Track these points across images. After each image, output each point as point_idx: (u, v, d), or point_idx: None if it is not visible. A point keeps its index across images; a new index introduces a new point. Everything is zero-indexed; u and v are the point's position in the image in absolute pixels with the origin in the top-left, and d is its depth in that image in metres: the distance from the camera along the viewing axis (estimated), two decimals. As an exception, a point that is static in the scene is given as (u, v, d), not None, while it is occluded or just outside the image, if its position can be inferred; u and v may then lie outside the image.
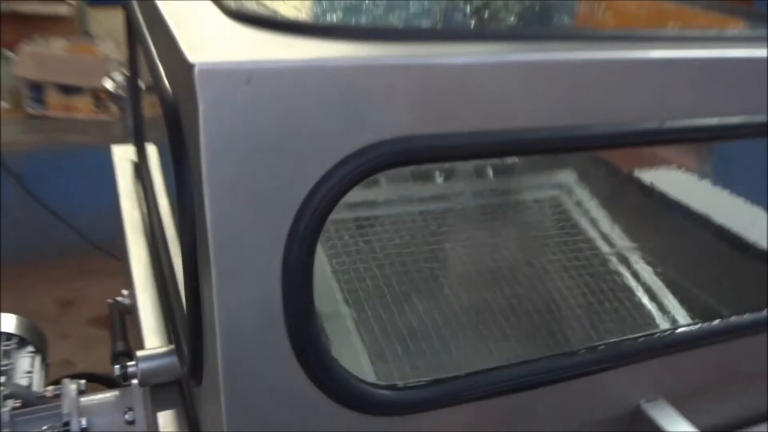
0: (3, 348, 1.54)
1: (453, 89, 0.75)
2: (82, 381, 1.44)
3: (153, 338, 1.23)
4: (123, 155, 1.96)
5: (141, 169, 1.70)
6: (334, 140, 0.74)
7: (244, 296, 0.76)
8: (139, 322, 1.28)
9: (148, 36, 1.02)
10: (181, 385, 1.16)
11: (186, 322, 0.87)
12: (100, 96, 4.16)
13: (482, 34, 0.85)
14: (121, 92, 2.74)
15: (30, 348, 1.62)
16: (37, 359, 1.60)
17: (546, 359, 0.93)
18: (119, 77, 2.72)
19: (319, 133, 0.74)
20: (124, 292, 1.62)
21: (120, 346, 1.25)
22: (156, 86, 0.88)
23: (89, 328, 3.95)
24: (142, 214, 1.64)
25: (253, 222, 0.74)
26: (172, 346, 1.13)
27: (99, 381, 1.81)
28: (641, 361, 1.00)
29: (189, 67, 0.70)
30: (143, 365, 1.10)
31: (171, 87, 0.84)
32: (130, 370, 1.10)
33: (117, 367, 1.11)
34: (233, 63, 0.71)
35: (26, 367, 1.56)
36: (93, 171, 4.20)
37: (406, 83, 0.74)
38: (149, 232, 1.53)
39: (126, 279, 1.64)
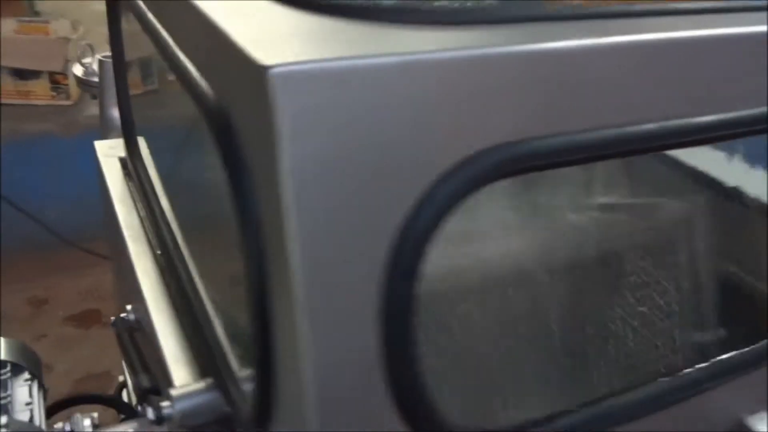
0: (-2, 379, 1.38)
1: (580, 79, 0.62)
2: (95, 414, 1.29)
3: (180, 370, 1.09)
4: (108, 150, 1.77)
5: (134, 167, 1.53)
6: (440, 148, 0.61)
7: (338, 342, 0.63)
8: (160, 350, 1.13)
9: (162, 28, 0.86)
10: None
11: (253, 363, 0.73)
12: (58, 80, 3.89)
13: (592, 12, 0.71)
14: (94, 78, 2.54)
15: (26, 375, 1.46)
16: (35, 387, 1.45)
17: (653, 385, 0.82)
18: (90, 61, 2.51)
19: (424, 141, 0.60)
20: (128, 307, 1.46)
21: (145, 381, 1.10)
22: (192, 93, 0.73)
23: (66, 327, 3.75)
24: (141, 218, 1.47)
25: (348, 254, 0.61)
26: (208, 381, 0.99)
27: (104, 403, 1.66)
28: (746, 375, 0.90)
29: (258, 70, 0.56)
30: (181, 405, 0.96)
31: (213, 92, 0.69)
32: (166, 412, 0.96)
33: (150, 410, 0.97)
34: (318, 63, 0.56)
35: (25, 398, 1.40)
36: (56, 161, 3.97)
37: (530, 75, 0.60)
38: (154, 241, 1.37)
39: (126, 292, 1.49)
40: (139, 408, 1.18)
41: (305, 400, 0.63)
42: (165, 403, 0.97)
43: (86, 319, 3.81)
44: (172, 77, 1.61)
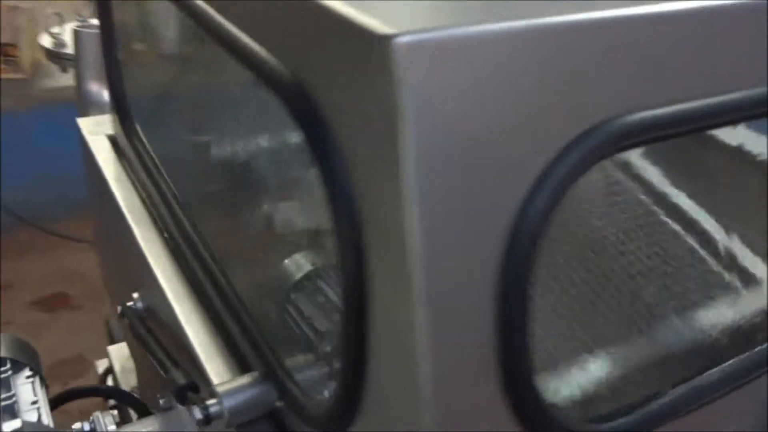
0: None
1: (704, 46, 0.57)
2: (115, 411, 1.22)
3: (215, 363, 1.02)
4: (93, 128, 1.66)
5: (132, 145, 1.43)
6: (564, 119, 0.56)
7: (454, 333, 0.58)
8: (189, 343, 1.06)
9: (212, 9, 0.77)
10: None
11: (341, 358, 0.67)
12: (8, 52, 3.67)
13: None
14: (65, 50, 2.37)
15: (26, 372, 1.36)
16: (38, 384, 1.36)
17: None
18: (59, 31, 2.35)
19: (547, 112, 0.55)
20: (135, 295, 1.38)
21: (179, 377, 1.02)
22: (260, 71, 0.66)
23: (32, 312, 3.60)
24: (144, 200, 1.38)
25: (467, 239, 0.55)
26: (255, 374, 0.93)
27: (109, 397, 1.57)
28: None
29: (373, 41, 0.49)
30: (230, 402, 0.89)
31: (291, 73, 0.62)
32: (214, 410, 0.90)
33: (196, 409, 0.90)
34: (443, 31, 0.50)
35: (30, 397, 1.31)
36: (12, 138, 3.77)
37: (655, 41, 0.55)
38: (164, 224, 1.29)
39: (129, 279, 1.40)
40: (179, 405, 1.11)
41: (418, 396, 0.58)
42: (211, 401, 0.90)
43: (53, 303, 3.66)
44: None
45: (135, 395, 1.46)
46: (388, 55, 0.49)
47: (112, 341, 2.33)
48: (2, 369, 1.32)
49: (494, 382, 0.61)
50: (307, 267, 0.92)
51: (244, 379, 0.93)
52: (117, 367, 2.19)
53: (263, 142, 1.10)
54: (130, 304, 1.37)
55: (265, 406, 0.92)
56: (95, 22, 2.46)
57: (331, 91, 0.58)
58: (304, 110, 0.60)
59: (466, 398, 0.60)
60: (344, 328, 0.64)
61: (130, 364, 2.24)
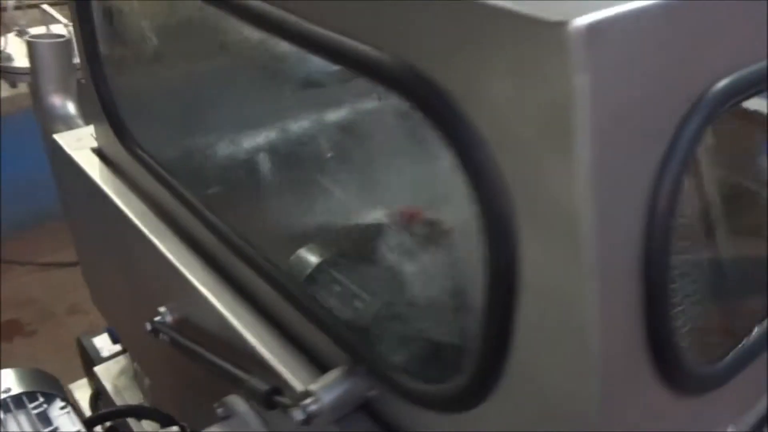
0: (36, 412, 1.22)
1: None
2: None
3: (290, 366, 1.02)
4: (76, 143, 1.58)
5: (134, 155, 1.37)
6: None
7: (613, 306, 0.61)
8: (256, 352, 1.05)
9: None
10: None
11: (484, 334, 0.69)
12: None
13: None
14: (12, 63, 2.22)
15: (59, 402, 1.31)
16: (72, 413, 1.30)
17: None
18: (2, 44, 2.19)
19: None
20: (161, 309, 1.34)
21: (259, 384, 1.01)
22: (380, 73, 0.66)
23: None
24: (159, 211, 1.35)
25: (625, 211, 0.59)
26: (344, 368, 0.93)
27: (142, 417, 1.52)
28: None
29: (545, 29, 0.51)
30: (329, 398, 0.90)
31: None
32: (312, 408, 0.90)
33: (296, 411, 0.89)
34: (604, 12, 0.52)
35: (70, 427, 1.26)
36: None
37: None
38: (192, 232, 1.26)
39: (160, 293, 1.36)
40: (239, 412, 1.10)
41: (584, 366, 0.61)
42: (308, 400, 0.90)
43: (7, 331, 3.48)
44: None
45: (170, 415, 1.43)
46: (564, 40, 0.51)
47: (89, 362, 2.25)
48: (37, 403, 1.26)
49: (642, 348, 0.65)
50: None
51: (336, 374, 0.93)
52: (109, 388, 2.13)
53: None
54: (157, 318, 1.34)
55: (358, 398, 0.93)
56: (39, 30, 2.33)
57: (475, 83, 0.60)
58: (441, 108, 0.62)
59: (621, 364, 0.64)
60: (491, 306, 0.66)
61: (122, 382, 2.18)
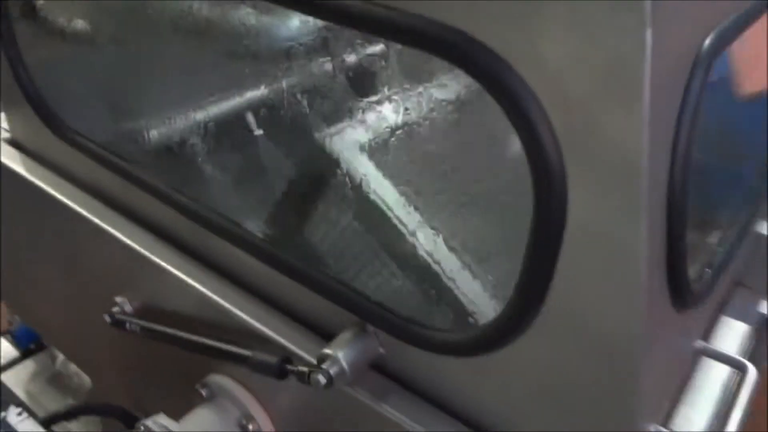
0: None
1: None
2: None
3: (291, 335, 1.03)
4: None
5: (65, 139, 1.29)
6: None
7: (654, 238, 0.70)
8: (249, 326, 1.05)
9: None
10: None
11: (525, 273, 0.75)
12: None
13: None
14: None
15: (15, 409, 1.21)
16: (31, 419, 1.21)
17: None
18: None
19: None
20: (118, 299, 1.27)
21: (264, 357, 1.00)
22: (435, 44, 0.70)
23: None
24: (97, 195, 1.28)
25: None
26: (354, 328, 0.97)
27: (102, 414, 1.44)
28: None
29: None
30: (348, 357, 0.93)
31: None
32: (334, 370, 0.92)
33: (318, 376, 0.91)
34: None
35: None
36: None
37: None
38: (146, 211, 1.22)
39: (116, 283, 1.30)
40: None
41: (632, 298, 0.70)
42: (326, 364, 0.93)
43: None
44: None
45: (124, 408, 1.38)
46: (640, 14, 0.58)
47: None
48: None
49: (664, 276, 0.75)
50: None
51: (348, 335, 0.96)
52: (21, 394, 2.01)
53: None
54: (116, 309, 1.29)
55: (371, 357, 0.97)
56: None
57: (529, 46, 0.65)
58: (495, 70, 0.67)
59: (656, 293, 0.73)
60: (536, 244, 0.72)
61: (36, 386, 2.05)
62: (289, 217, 1.20)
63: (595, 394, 0.79)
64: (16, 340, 2.06)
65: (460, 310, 0.96)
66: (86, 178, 1.32)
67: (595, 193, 0.67)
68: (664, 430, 0.89)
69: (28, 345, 2.04)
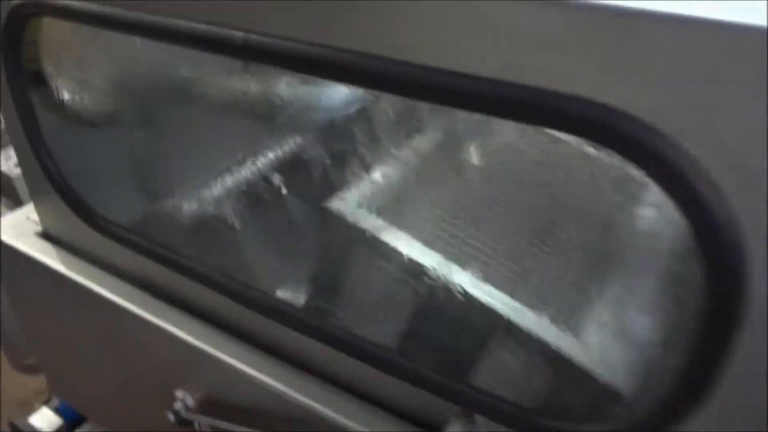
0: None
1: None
2: None
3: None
4: (16, 232, 1.36)
5: (101, 230, 1.20)
6: None
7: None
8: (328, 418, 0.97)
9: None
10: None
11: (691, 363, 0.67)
12: None
13: None
14: None
15: None
16: None
17: None
18: None
19: None
20: (179, 393, 1.18)
21: None
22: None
23: None
24: (141, 285, 1.20)
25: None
26: (460, 421, 0.88)
27: None
28: None
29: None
30: None
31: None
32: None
33: None
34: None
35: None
36: None
37: None
38: (201, 302, 1.13)
39: (172, 377, 1.21)
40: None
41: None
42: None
43: None
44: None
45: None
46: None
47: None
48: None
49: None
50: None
51: (457, 427, 0.88)
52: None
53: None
54: (178, 406, 1.19)
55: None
56: None
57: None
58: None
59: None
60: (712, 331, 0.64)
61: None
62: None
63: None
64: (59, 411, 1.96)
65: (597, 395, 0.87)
66: (127, 267, 1.23)
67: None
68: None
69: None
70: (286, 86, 1.10)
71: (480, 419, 0.88)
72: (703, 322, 0.64)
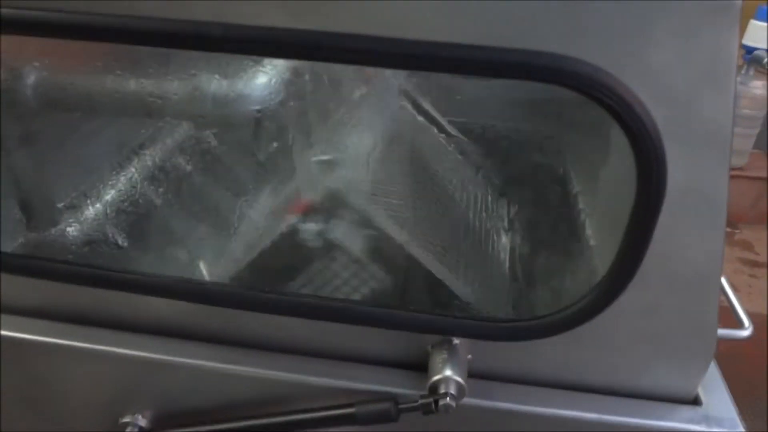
0: None
1: None
2: None
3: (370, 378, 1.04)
4: None
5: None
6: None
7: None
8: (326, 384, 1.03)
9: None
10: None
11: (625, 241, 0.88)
12: None
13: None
14: None
15: None
16: None
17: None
18: None
19: None
20: (125, 420, 1.12)
21: (374, 406, 0.98)
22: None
23: None
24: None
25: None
26: (439, 348, 1.02)
27: None
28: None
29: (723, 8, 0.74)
30: (456, 376, 0.98)
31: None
32: (454, 392, 0.97)
33: (446, 402, 0.94)
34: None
35: None
36: None
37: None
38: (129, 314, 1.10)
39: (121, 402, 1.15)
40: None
41: (717, 232, 0.87)
42: (443, 387, 0.97)
43: None
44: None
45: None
46: (736, 13, 0.73)
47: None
48: None
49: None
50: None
51: (443, 355, 1.00)
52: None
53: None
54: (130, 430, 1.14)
55: (467, 366, 1.03)
56: None
57: (638, 60, 0.77)
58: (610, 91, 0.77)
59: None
60: (640, 211, 0.85)
61: None
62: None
63: (685, 318, 0.95)
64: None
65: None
66: (25, 299, 1.14)
67: (692, 160, 0.82)
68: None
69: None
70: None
71: (455, 340, 1.03)
72: (637, 206, 0.87)
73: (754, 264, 3.74)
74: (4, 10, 0.84)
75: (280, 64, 1.19)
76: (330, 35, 0.80)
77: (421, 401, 0.98)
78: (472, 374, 1.04)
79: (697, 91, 0.78)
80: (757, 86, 3.65)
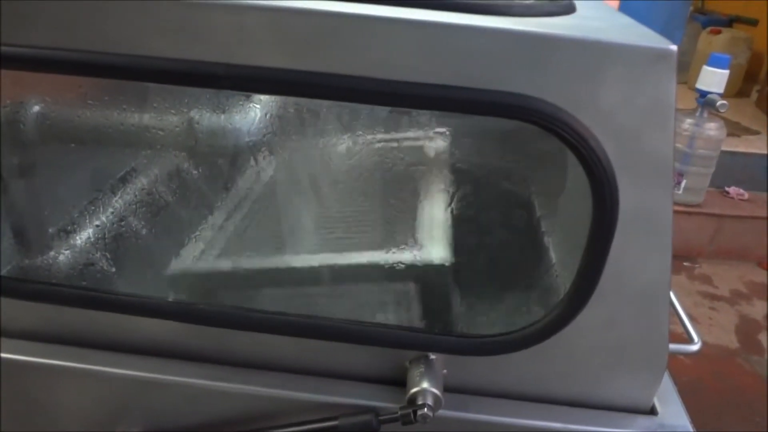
0: None
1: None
2: None
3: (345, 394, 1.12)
4: None
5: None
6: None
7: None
8: (308, 399, 1.10)
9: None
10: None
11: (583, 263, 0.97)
12: None
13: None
14: None
15: None
16: None
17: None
18: None
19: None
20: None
21: (355, 418, 1.05)
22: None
23: None
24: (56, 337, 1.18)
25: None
26: (416, 362, 1.10)
27: None
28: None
29: (659, 53, 0.85)
30: (433, 389, 1.06)
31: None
32: (431, 403, 1.04)
33: (423, 412, 1.02)
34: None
35: None
36: None
37: None
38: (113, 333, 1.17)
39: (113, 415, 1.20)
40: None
41: (665, 250, 0.97)
42: (421, 399, 1.04)
43: None
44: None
45: None
46: (671, 59, 0.84)
47: None
48: None
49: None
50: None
51: (420, 368, 1.08)
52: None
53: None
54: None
55: (442, 380, 1.11)
56: None
57: (590, 100, 0.87)
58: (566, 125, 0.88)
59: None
60: (596, 236, 0.95)
61: None
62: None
63: (639, 332, 1.05)
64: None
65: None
66: (21, 322, 1.20)
67: (640, 187, 0.93)
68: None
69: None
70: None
71: (431, 356, 1.12)
72: (594, 228, 0.97)
73: (714, 297, 3.89)
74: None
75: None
76: (319, 75, 0.90)
77: (400, 412, 1.05)
78: (447, 388, 1.12)
79: (642, 127, 0.89)
80: (711, 128, 3.84)
